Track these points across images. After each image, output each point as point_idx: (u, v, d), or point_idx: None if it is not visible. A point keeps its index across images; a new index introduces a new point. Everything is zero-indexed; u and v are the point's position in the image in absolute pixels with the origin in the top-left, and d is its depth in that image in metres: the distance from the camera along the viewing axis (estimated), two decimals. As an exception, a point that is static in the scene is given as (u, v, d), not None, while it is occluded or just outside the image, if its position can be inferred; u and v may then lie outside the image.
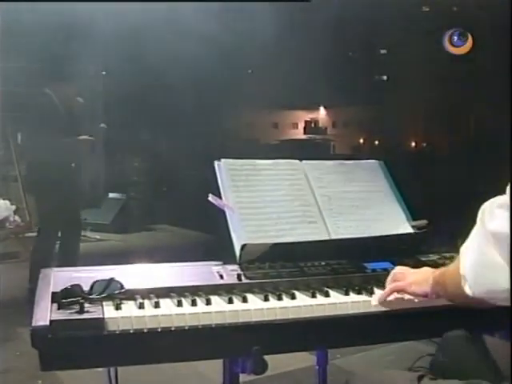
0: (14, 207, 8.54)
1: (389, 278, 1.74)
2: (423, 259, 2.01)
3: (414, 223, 2.15)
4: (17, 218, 8.58)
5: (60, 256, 5.40)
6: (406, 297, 1.70)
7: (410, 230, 2.13)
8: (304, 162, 2.23)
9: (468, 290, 1.36)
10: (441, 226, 2.19)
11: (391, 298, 1.71)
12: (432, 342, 3.64)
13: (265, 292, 1.73)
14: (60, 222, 5.43)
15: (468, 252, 1.38)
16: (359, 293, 1.77)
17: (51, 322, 1.46)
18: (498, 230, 1.27)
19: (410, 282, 1.66)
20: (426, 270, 1.68)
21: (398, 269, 1.77)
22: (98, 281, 1.65)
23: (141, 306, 1.58)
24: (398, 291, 1.70)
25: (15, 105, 6.33)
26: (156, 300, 1.62)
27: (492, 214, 1.31)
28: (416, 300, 1.69)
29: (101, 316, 1.51)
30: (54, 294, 1.61)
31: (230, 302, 1.65)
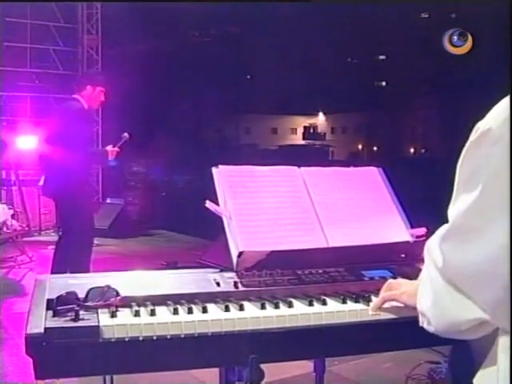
0: (11, 211, 8.53)
1: (384, 287, 1.73)
2: (422, 268, 2.00)
3: (413, 231, 2.14)
4: (14, 222, 8.57)
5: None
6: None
7: (409, 239, 2.12)
8: (302, 168, 2.22)
9: (426, 326, 1.38)
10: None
11: (386, 305, 1.70)
12: (431, 350, 3.64)
13: (262, 300, 1.72)
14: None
15: (422, 290, 1.40)
16: (357, 301, 1.76)
17: (46, 329, 1.45)
18: (444, 264, 1.28)
19: (401, 291, 1.65)
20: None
21: (393, 279, 1.77)
22: (93, 288, 1.64)
23: (136, 314, 1.57)
24: (390, 300, 1.69)
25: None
26: (152, 308, 1.61)
27: (436, 249, 1.32)
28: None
29: (96, 324, 1.50)
30: (49, 301, 1.60)
31: (227, 310, 1.64)
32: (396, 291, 1.67)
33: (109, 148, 5.50)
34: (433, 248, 1.33)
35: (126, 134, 5.60)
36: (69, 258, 5.24)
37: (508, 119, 1.20)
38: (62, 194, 5.29)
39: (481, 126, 1.26)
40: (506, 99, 1.25)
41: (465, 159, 1.28)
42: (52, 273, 5.08)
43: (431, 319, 1.34)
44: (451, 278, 1.27)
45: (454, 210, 1.29)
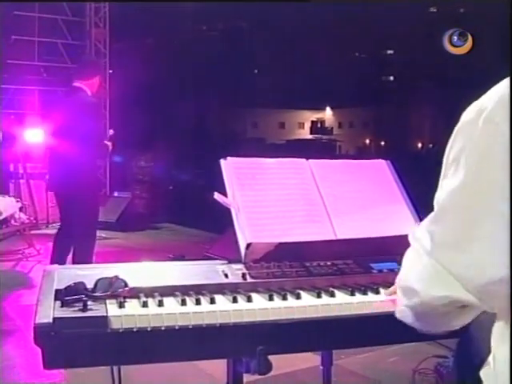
0: (19, 204, 8.55)
1: None
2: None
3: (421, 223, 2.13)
4: (22, 215, 8.59)
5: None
6: None
7: (417, 231, 2.11)
8: (310, 160, 2.22)
9: (408, 300, 1.34)
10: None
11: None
12: (438, 344, 3.64)
13: (270, 291, 1.72)
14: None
15: (409, 266, 1.36)
16: (365, 293, 1.75)
17: (54, 319, 1.45)
18: (433, 246, 1.26)
19: None
20: None
21: None
22: (101, 278, 1.64)
23: (144, 305, 1.57)
24: None
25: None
26: (160, 298, 1.61)
27: (424, 233, 1.29)
28: None
29: (104, 314, 1.50)
30: (57, 291, 1.60)
31: (235, 301, 1.64)
32: None
33: (107, 142, 5.49)
34: (420, 234, 1.30)
35: (111, 130, 5.67)
36: (75, 250, 5.29)
37: (500, 101, 1.19)
38: (74, 188, 5.25)
39: (475, 107, 1.24)
40: (503, 82, 1.24)
41: (456, 139, 1.26)
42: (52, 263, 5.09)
43: (419, 291, 1.29)
44: (440, 259, 1.24)
45: (442, 192, 1.27)
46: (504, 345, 1.22)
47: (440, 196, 1.27)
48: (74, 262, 5.12)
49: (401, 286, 1.38)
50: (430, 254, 1.26)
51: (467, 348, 1.47)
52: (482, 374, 1.29)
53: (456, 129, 1.27)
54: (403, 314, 1.38)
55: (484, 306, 1.23)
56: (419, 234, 1.31)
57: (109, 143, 5.46)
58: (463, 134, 1.24)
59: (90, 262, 4.95)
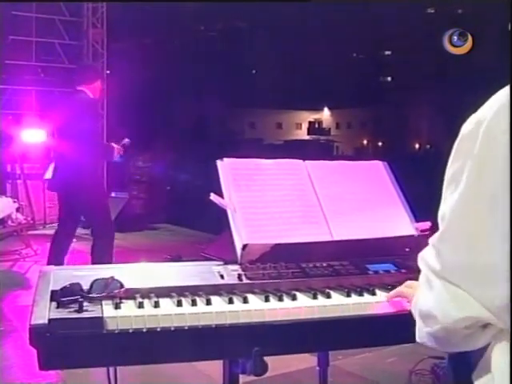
0: (16, 205, 8.54)
1: (405, 283, 1.70)
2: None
3: (418, 225, 2.13)
4: (19, 215, 8.58)
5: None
6: None
7: (414, 232, 2.11)
8: (307, 161, 2.22)
9: (429, 329, 1.31)
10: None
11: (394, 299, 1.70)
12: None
13: (266, 293, 1.72)
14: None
15: (422, 294, 1.33)
16: (361, 295, 1.75)
17: (50, 320, 1.45)
18: (442, 266, 1.24)
19: (415, 293, 1.64)
20: None
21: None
22: (97, 280, 1.64)
23: (140, 306, 1.57)
24: (404, 297, 1.68)
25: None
26: (156, 299, 1.60)
27: (431, 256, 1.27)
28: None
29: (100, 315, 1.50)
30: (53, 292, 1.60)
31: (231, 302, 1.64)
32: (413, 291, 1.66)
33: (114, 145, 5.52)
34: (427, 255, 1.29)
35: (127, 140, 5.66)
36: (93, 250, 5.39)
37: (500, 112, 1.17)
38: (75, 188, 5.27)
39: (474, 119, 1.23)
40: (501, 92, 1.23)
41: (457, 153, 1.25)
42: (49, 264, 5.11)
43: (438, 317, 1.26)
44: (450, 278, 1.22)
45: (444, 208, 1.25)
46: (504, 358, 1.20)
47: (443, 212, 1.26)
48: (92, 262, 5.15)
49: (418, 313, 1.35)
50: (440, 274, 1.24)
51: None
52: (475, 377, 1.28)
53: (456, 142, 1.25)
54: (424, 340, 1.35)
55: (500, 324, 1.20)
56: (426, 255, 1.30)
57: (118, 147, 5.51)
58: (463, 148, 1.23)
59: (110, 262, 4.98)
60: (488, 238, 1.17)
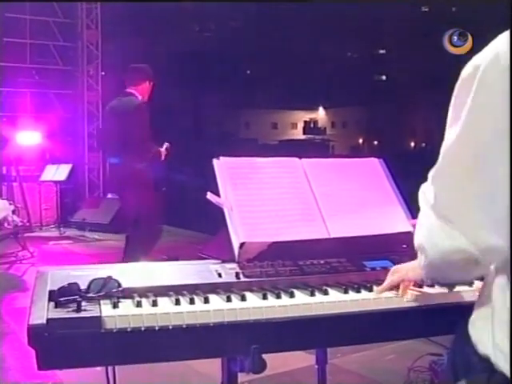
0: (12, 207, 8.53)
1: (390, 272, 1.75)
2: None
3: (414, 222, 2.14)
4: (15, 217, 8.57)
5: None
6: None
7: (410, 229, 2.12)
8: (303, 160, 2.22)
9: (424, 259, 1.37)
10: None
11: (389, 294, 1.70)
12: (432, 342, 3.65)
13: (263, 290, 1.72)
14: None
15: (419, 226, 1.40)
16: (358, 291, 1.76)
17: (48, 320, 1.45)
18: (436, 199, 1.30)
19: (406, 270, 1.70)
20: None
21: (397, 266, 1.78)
22: (95, 279, 1.64)
23: (138, 305, 1.57)
24: (399, 282, 1.70)
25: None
26: (154, 298, 1.60)
27: (429, 188, 1.34)
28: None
29: (98, 314, 1.50)
30: (51, 292, 1.60)
31: (229, 300, 1.64)
32: (401, 273, 1.71)
33: (161, 148, 5.64)
34: (426, 188, 1.35)
35: (168, 144, 5.76)
36: (142, 249, 5.52)
37: (496, 59, 1.19)
38: (134, 190, 5.44)
39: (472, 62, 1.26)
40: (500, 38, 1.24)
41: (458, 93, 1.28)
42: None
43: (427, 249, 1.34)
44: (442, 212, 1.28)
45: (443, 146, 1.30)
46: (504, 294, 1.25)
47: (442, 148, 1.31)
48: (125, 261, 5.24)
49: (415, 246, 1.42)
50: (434, 208, 1.30)
51: (462, 345, 1.47)
52: (471, 327, 1.33)
53: (457, 84, 1.29)
54: (425, 272, 1.43)
55: (486, 262, 1.27)
56: (425, 188, 1.35)
57: (163, 150, 5.62)
58: (463, 90, 1.26)
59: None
60: (475, 182, 1.22)
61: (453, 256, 1.27)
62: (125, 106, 5.48)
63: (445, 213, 1.27)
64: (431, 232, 1.31)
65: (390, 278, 1.73)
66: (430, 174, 1.34)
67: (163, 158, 5.65)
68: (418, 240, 1.39)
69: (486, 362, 1.26)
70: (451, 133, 1.27)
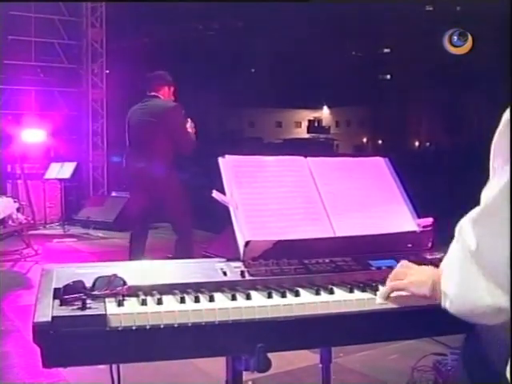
0: (16, 205, 8.54)
1: (390, 276, 1.72)
2: (428, 257, 1.99)
3: (420, 221, 2.13)
4: (19, 215, 8.59)
5: None
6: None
7: (416, 228, 2.11)
8: (308, 158, 2.21)
9: (449, 306, 1.35)
10: (446, 224, 2.17)
11: (393, 294, 1.69)
12: (436, 342, 3.64)
13: (268, 289, 1.71)
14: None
15: (449, 270, 1.36)
16: (364, 290, 1.75)
17: (53, 318, 1.44)
18: (478, 248, 1.23)
19: (409, 281, 1.64)
20: (428, 270, 1.63)
21: (401, 265, 1.74)
22: (100, 277, 1.64)
23: (143, 303, 1.57)
24: (398, 290, 1.68)
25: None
26: (159, 296, 1.60)
27: (469, 232, 1.26)
28: None
29: (103, 312, 1.49)
30: (56, 290, 1.60)
31: (234, 298, 1.63)
32: (404, 281, 1.66)
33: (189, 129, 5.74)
34: (466, 229, 1.27)
35: (189, 120, 5.82)
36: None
37: None
38: (174, 191, 5.76)
39: (506, 116, 1.24)
40: None
41: (497, 143, 1.25)
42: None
43: (453, 300, 1.31)
44: (484, 263, 1.22)
45: (488, 191, 1.25)
46: None
47: (486, 194, 1.25)
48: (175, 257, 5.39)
49: (442, 289, 1.38)
50: (475, 255, 1.23)
51: (473, 346, 1.46)
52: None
53: (499, 127, 1.25)
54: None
55: None
56: (465, 226, 1.28)
57: (192, 129, 5.75)
58: (505, 134, 1.23)
59: (190, 255, 5.30)
60: None
61: (486, 310, 1.23)
62: (163, 107, 5.72)
63: (489, 267, 1.21)
64: (469, 283, 1.26)
65: (390, 285, 1.69)
66: (472, 217, 1.27)
67: (196, 134, 5.80)
68: (448, 288, 1.34)
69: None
70: (502, 174, 1.21)
